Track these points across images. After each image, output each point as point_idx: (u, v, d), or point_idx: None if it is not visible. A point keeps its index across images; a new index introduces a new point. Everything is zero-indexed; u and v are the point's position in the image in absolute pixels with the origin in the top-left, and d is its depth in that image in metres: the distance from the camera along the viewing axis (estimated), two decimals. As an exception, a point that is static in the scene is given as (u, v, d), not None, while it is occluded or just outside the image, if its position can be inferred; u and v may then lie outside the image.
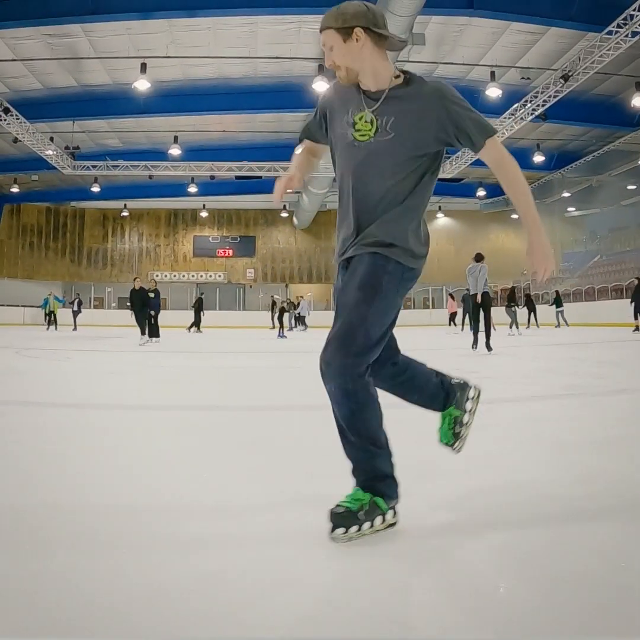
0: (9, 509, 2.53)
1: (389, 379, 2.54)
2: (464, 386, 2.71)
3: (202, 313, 29.14)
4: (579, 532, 2.26)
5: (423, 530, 2.30)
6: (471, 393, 2.71)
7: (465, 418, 2.67)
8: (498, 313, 31.53)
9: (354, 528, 2.16)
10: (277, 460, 3.49)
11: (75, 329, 31.02)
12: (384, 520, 2.23)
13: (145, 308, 17.83)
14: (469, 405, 2.69)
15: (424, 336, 22.95)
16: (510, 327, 23.10)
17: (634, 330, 21.14)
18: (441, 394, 2.65)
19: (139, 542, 2.16)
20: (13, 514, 2.46)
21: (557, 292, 30.94)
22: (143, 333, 17.60)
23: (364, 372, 2.20)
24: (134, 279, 18.87)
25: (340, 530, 2.14)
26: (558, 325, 29.00)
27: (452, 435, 2.65)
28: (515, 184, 2.38)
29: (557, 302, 29.39)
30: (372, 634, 1.56)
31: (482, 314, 12.70)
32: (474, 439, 3.91)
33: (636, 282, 22.65)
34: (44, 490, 2.82)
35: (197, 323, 28.75)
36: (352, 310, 2.21)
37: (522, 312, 29.90)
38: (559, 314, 29.27)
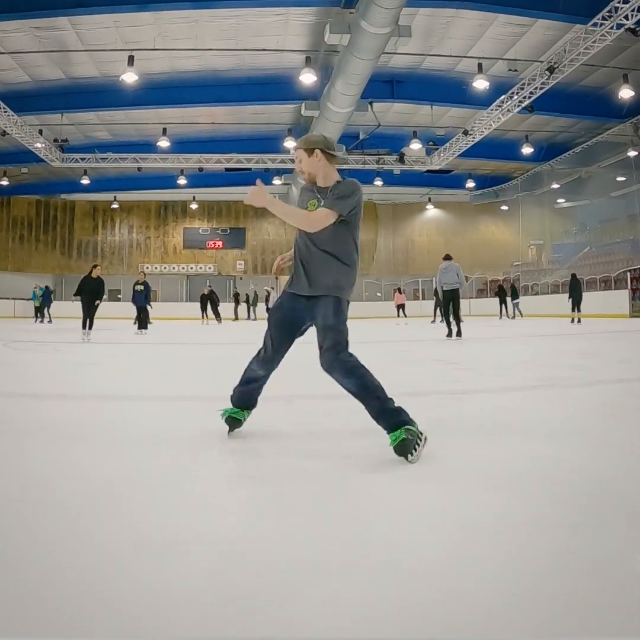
0: (4, 507, 2.50)
1: None
2: None
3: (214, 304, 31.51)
4: (557, 523, 2.29)
5: (388, 532, 2.31)
6: None
7: None
8: (487, 303, 31.82)
9: (415, 450, 3.14)
10: (268, 447, 3.56)
11: (46, 321, 31.05)
12: (421, 437, 3.19)
13: (94, 300, 15.44)
14: None
15: (412, 327, 23.05)
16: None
17: (572, 322, 22.34)
18: None
19: (137, 541, 2.15)
20: (6, 510, 2.45)
21: (512, 285, 31.91)
22: (84, 326, 15.16)
23: (348, 355, 3.41)
24: (94, 267, 15.93)
25: (410, 455, 3.12)
26: (514, 316, 29.96)
27: None
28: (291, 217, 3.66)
29: (514, 294, 30.93)
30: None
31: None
32: (454, 431, 4.00)
33: (570, 277, 24.00)
34: (37, 484, 2.81)
35: (216, 314, 31.41)
36: (335, 329, 3.46)
37: (494, 301, 31.11)
38: (516, 306, 30.70)
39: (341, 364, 3.37)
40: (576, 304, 22.59)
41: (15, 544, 2.11)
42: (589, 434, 3.93)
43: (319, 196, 3.62)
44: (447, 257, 15.18)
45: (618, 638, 1.52)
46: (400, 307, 31.61)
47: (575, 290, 22.79)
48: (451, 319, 14.75)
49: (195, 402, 5.51)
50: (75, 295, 15.31)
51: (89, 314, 15.12)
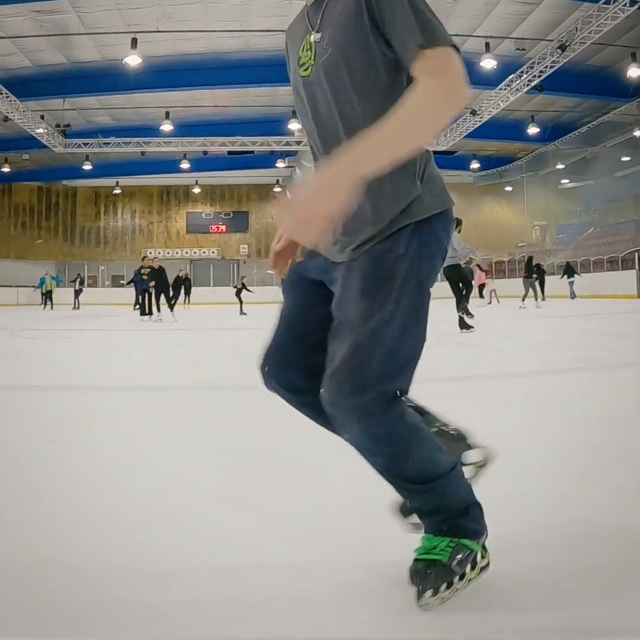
0: (4, 500, 2.50)
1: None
2: None
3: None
4: (592, 514, 2.23)
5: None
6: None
7: None
8: (510, 284, 31.02)
9: (444, 586, 1.61)
10: (276, 448, 3.43)
11: (77, 307, 31.17)
12: (475, 565, 1.67)
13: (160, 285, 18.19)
14: None
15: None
16: (523, 300, 22.99)
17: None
18: None
19: (138, 541, 2.12)
20: (8, 505, 2.44)
21: (568, 263, 30.07)
22: (158, 310, 17.89)
23: (391, 404, 1.56)
24: (152, 259, 19.09)
25: (429, 592, 1.59)
26: (573, 296, 27.96)
27: None
28: (407, 115, 1.42)
29: (569, 272, 28.46)
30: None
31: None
32: (486, 416, 3.90)
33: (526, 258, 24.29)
34: (38, 479, 2.79)
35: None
36: (358, 328, 1.55)
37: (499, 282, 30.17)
38: (571, 285, 28.12)
39: (365, 423, 1.61)
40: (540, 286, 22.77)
41: (15, 544, 2.09)
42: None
43: (310, 27, 1.70)
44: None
45: (618, 638, 1.50)
46: (483, 286, 30.73)
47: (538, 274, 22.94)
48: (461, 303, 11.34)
49: (209, 391, 5.42)
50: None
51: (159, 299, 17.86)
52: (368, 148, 1.39)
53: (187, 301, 30.84)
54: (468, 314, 11.17)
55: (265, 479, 2.80)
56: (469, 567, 1.64)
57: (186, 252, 45.81)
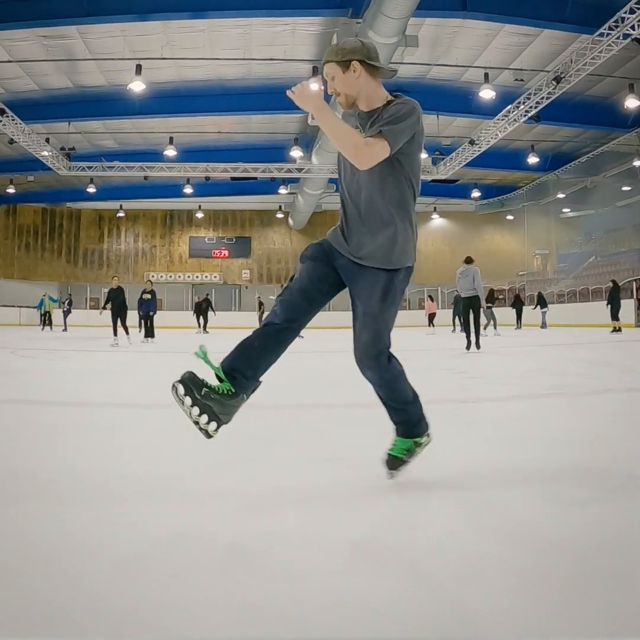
0: (6, 508, 2.52)
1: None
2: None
3: (209, 313, 29.64)
4: (567, 528, 2.29)
5: (412, 528, 2.35)
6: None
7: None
8: (512, 313, 31.08)
9: (403, 466, 2.92)
10: (273, 455, 3.55)
11: (65, 329, 30.84)
12: (420, 445, 2.95)
13: (122, 309, 17.53)
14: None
15: (419, 337, 23.01)
16: (485, 329, 23.40)
17: (612, 331, 21.73)
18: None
19: (138, 542, 2.16)
20: (10, 515, 2.45)
21: (540, 293, 31.29)
22: (115, 334, 17.01)
23: (388, 359, 2.84)
24: (113, 278, 18.33)
25: (394, 472, 2.91)
26: (544, 325, 29.16)
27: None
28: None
29: (542, 303, 29.82)
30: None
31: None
32: (463, 438, 3.99)
33: (612, 285, 23.64)
34: (40, 489, 2.81)
35: (204, 324, 29.35)
36: (378, 318, 2.78)
37: (511, 312, 30.14)
38: (544, 315, 29.57)
39: (378, 371, 2.82)
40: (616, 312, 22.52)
41: (15, 544, 2.12)
42: (603, 441, 3.90)
43: (360, 124, 2.79)
44: (466, 261, 13.76)
45: (618, 638, 1.52)
46: (432, 316, 31.34)
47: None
48: (471, 329, 13.49)
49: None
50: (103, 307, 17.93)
51: (116, 322, 17.34)
52: (332, 120, 2.62)
53: (200, 326, 29.91)
54: (476, 337, 13.48)
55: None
56: (419, 450, 2.94)
57: (188, 276, 45.97)
